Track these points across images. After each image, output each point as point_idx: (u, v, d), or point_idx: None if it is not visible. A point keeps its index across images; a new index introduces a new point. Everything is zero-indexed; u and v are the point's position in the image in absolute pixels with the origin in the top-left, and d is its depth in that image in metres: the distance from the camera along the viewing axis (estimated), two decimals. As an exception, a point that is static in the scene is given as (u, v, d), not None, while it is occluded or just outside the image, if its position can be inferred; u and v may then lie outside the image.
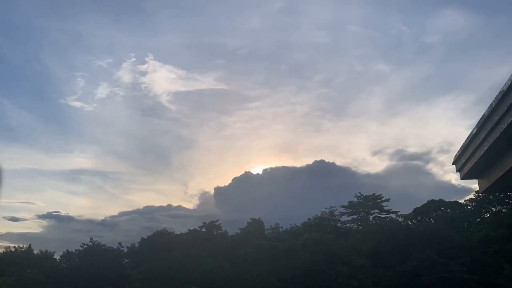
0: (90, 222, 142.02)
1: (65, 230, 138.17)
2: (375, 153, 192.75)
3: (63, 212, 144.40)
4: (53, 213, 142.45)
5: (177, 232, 75.04)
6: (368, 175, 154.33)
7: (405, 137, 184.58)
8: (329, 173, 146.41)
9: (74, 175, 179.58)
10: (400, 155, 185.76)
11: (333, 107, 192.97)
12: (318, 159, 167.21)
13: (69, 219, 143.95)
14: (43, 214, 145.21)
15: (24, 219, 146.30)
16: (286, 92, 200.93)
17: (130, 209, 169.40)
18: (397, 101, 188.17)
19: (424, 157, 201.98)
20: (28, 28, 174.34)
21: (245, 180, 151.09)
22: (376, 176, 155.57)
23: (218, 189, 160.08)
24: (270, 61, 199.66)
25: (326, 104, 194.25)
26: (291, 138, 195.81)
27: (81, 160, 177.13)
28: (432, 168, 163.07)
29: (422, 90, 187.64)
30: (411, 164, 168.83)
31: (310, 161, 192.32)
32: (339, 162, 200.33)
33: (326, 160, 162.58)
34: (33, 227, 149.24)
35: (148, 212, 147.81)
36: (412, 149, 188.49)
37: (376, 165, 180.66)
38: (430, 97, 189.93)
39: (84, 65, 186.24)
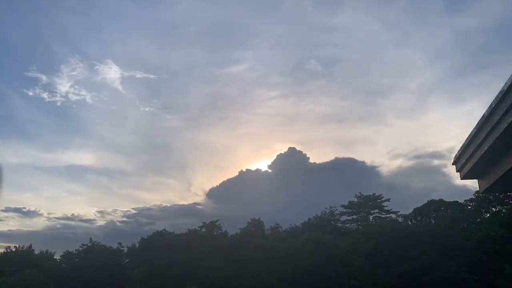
0: (62, 218, 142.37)
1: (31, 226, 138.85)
2: (395, 152, 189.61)
3: (32, 208, 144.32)
4: (21, 209, 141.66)
5: (177, 232, 75.17)
6: (392, 175, 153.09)
7: (431, 136, 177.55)
8: (347, 171, 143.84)
9: (65, 171, 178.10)
10: (423, 154, 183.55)
11: (355, 108, 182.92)
12: (340, 156, 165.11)
13: (33, 214, 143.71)
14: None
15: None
16: (308, 91, 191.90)
17: (111, 209, 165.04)
18: (426, 99, 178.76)
19: (448, 155, 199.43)
20: (28, 22, 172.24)
21: (245, 179, 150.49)
22: (396, 175, 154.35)
23: (217, 188, 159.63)
24: (294, 58, 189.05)
25: (348, 103, 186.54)
26: (304, 136, 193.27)
27: (75, 156, 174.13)
28: (451, 168, 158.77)
29: (453, 85, 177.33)
30: (434, 164, 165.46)
31: (331, 157, 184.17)
32: (357, 161, 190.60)
33: (340, 157, 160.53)
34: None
35: (137, 211, 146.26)
36: (437, 148, 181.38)
37: (396, 164, 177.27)
38: (460, 92, 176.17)
39: (87, 58, 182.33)
